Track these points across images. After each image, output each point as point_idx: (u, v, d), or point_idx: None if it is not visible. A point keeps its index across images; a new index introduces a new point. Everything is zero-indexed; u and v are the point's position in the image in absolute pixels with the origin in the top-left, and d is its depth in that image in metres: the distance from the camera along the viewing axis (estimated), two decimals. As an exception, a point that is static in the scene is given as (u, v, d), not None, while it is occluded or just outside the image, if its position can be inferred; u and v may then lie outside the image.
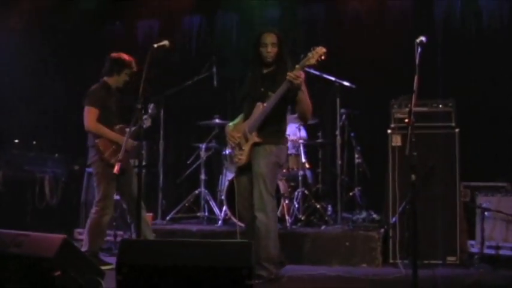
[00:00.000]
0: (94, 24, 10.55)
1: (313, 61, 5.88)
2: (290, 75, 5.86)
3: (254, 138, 6.12)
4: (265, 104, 6.10)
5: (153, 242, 4.45)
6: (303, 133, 8.62)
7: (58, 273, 4.52)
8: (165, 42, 6.09)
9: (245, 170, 6.24)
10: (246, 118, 6.28)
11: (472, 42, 8.93)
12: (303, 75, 5.91)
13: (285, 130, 6.41)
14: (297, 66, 5.91)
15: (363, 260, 7.36)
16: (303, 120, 6.58)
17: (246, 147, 6.16)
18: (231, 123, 6.45)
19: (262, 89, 6.16)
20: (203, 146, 9.03)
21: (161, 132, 9.02)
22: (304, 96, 6.02)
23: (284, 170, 8.13)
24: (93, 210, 6.88)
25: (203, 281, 4.25)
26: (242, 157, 6.19)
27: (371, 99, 8.81)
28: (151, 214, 8.65)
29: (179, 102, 9.36)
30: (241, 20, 10.27)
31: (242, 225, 6.68)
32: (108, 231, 8.05)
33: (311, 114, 6.30)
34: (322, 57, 5.90)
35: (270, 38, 6.15)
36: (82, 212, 8.77)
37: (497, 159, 8.34)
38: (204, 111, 9.37)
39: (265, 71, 6.26)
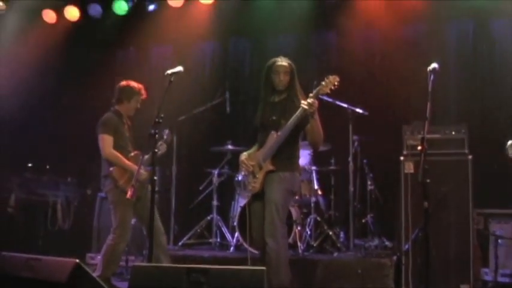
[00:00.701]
0: (108, 50, 10.63)
1: (326, 90, 5.99)
2: (304, 103, 5.94)
3: (268, 166, 6.17)
4: (279, 133, 6.15)
5: (164, 267, 4.44)
6: (309, 160, 8.60)
7: (69, 297, 4.52)
8: (179, 69, 6.15)
9: (259, 197, 6.27)
10: (260, 147, 6.33)
11: (484, 67, 8.92)
12: (316, 103, 5.96)
13: (298, 157, 6.43)
14: (310, 94, 5.97)
15: (375, 287, 7.32)
16: (314, 147, 6.65)
17: (260, 175, 6.21)
18: (245, 153, 6.49)
19: (274, 118, 6.22)
20: (216, 171, 9.05)
21: (174, 157, 9.05)
22: (316, 124, 6.07)
23: (296, 197, 8.12)
24: (110, 237, 6.88)
25: (214, 307, 4.24)
26: (256, 185, 6.23)
27: (383, 125, 8.80)
28: (163, 239, 8.65)
29: (192, 128, 9.39)
30: (254, 46, 10.32)
31: (255, 251, 6.70)
32: (120, 257, 8.08)
33: (322, 142, 6.38)
34: (335, 86, 6.02)
35: (282, 67, 6.25)
36: (94, 237, 8.79)
37: (511, 186, 8.29)
38: (217, 137, 9.41)
39: (276, 99, 6.34)
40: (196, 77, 10.31)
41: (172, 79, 6.09)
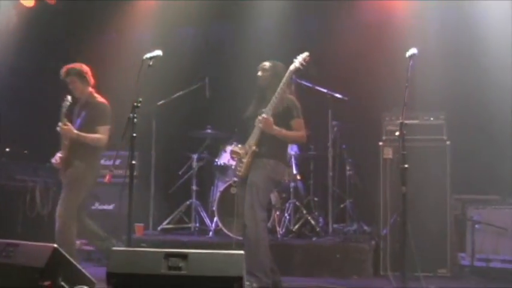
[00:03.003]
0: (88, 35, 10.54)
1: (298, 65, 6.29)
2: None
3: (252, 148, 6.31)
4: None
5: (143, 252, 4.42)
6: (294, 146, 8.62)
7: (48, 283, 4.50)
8: (158, 53, 6.13)
9: (245, 183, 6.39)
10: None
11: (464, 53, 8.94)
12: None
13: (284, 148, 6.62)
14: (262, 110, 6.30)
15: (353, 271, 7.37)
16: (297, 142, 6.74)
17: (246, 159, 6.34)
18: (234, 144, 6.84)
19: (262, 110, 6.38)
20: (195, 156, 9.05)
21: (153, 142, 9.02)
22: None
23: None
24: None
25: (193, 291, 4.24)
26: (241, 169, 6.38)
27: (363, 111, 8.82)
28: (142, 224, 8.65)
29: (171, 113, 9.35)
30: (235, 31, 10.27)
31: (235, 237, 6.83)
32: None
33: (299, 141, 6.84)
34: (306, 61, 6.31)
35: (261, 66, 6.59)
36: (73, 222, 8.74)
37: (488, 172, 8.35)
38: (196, 122, 9.38)
39: (266, 95, 6.54)
40: (176, 62, 10.23)
41: (150, 63, 6.07)
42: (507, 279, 6.80)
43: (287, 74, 6.27)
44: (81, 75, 7.06)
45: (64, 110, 6.89)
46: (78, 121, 7.01)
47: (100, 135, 6.92)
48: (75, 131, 6.85)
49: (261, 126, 6.20)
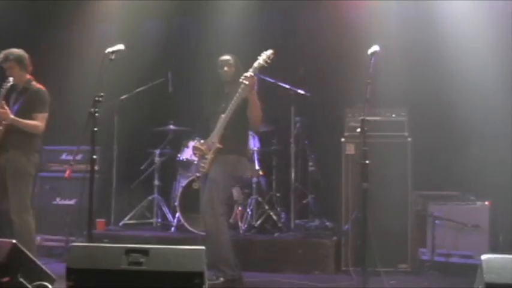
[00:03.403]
0: (50, 28, 10.41)
1: (262, 62, 6.29)
2: (242, 77, 6.25)
3: (216, 144, 6.37)
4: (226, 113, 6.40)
5: (103, 247, 4.39)
6: (256, 141, 8.64)
7: (6, 279, 4.45)
8: (120, 47, 6.10)
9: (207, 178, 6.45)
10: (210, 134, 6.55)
11: (426, 50, 9.00)
12: (255, 78, 6.26)
13: (246, 142, 6.75)
14: (250, 69, 6.27)
15: (315, 267, 7.41)
16: (253, 126, 6.73)
17: (209, 156, 6.42)
18: (196, 140, 6.92)
19: (223, 105, 6.46)
20: (157, 151, 9.01)
21: (115, 137, 8.95)
22: (254, 99, 6.33)
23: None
24: None
25: (154, 287, 4.22)
26: (205, 165, 6.45)
27: (326, 107, 8.85)
28: (103, 220, 8.59)
29: (134, 107, 9.29)
30: (199, 27, 10.23)
31: (198, 232, 6.91)
32: (60, 237, 7.99)
33: (260, 121, 6.62)
34: (270, 58, 6.33)
35: (224, 61, 6.66)
36: (34, 218, 8.63)
37: (449, 169, 8.43)
38: (159, 117, 9.34)
39: (226, 90, 6.64)
40: (139, 57, 10.17)
41: (112, 57, 6.03)
42: (466, 274, 6.85)
43: (250, 70, 6.26)
44: (20, 60, 6.82)
45: (3, 91, 6.65)
46: (16, 107, 6.77)
47: (37, 122, 6.71)
48: (12, 116, 6.62)
49: (251, 82, 6.22)
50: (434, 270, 7.22)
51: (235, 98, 6.30)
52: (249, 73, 6.22)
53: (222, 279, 6.23)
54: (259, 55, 6.34)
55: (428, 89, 8.75)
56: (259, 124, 6.75)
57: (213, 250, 6.19)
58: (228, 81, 6.64)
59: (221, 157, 6.38)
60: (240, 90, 6.27)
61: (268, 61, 6.32)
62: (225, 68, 6.62)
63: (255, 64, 6.28)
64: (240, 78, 6.38)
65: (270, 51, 6.33)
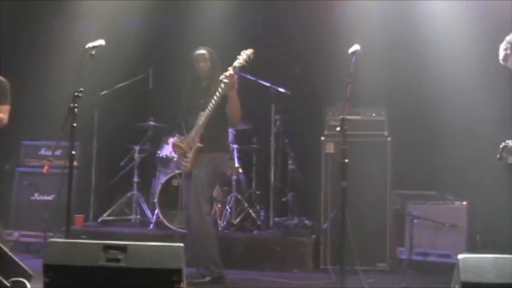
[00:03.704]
0: (31, 22, 10.33)
1: (242, 61, 6.29)
2: (223, 76, 6.23)
3: (197, 144, 6.37)
4: (205, 112, 6.40)
5: (80, 244, 4.37)
6: (236, 139, 8.63)
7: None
8: (100, 42, 6.07)
9: (189, 176, 6.48)
10: (191, 129, 6.54)
11: (406, 50, 9.03)
12: (235, 76, 6.25)
13: (226, 138, 6.76)
14: (229, 68, 6.24)
15: (294, 265, 7.43)
16: (232, 123, 6.75)
17: (191, 155, 6.41)
18: (177, 137, 6.98)
19: (202, 101, 6.46)
20: (137, 148, 8.97)
21: (95, 132, 8.92)
22: (234, 98, 6.33)
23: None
24: None
25: (132, 283, 4.21)
26: (187, 164, 6.46)
27: (306, 106, 8.87)
28: (82, 216, 8.55)
29: (114, 103, 9.25)
30: (180, 24, 10.19)
31: (176, 229, 7.19)
32: (37, 233, 7.94)
33: (239, 118, 6.65)
34: (251, 58, 6.33)
35: (200, 55, 6.62)
36: (12, 213, 8.60)
37: (428, 168, 8.48)
38: (139, 113, 9.30)
39: (204, 84, 6.62)
40: (120, 52, 10.12)
41: (93, 52, 6.00)
42: (444, 273, 6.88)
43: (230, 69, 6.25)
44: None
45: None
46: None
47: (0, 114, 6.61)
48: None
49: (231, 82, 6.21)
50: (412, 269, 7.25)
51: (215, 97, 6.29)
52: (229, 72, 6.21)
53: (208, 278, 6.29)
54: (240, 54, 6.34)
55: (408, 88, 8.78)
56: (238, 122, 6.81)
57: (199, 249, 6.33)
58: (204, 76, 6.63)
59: (204, 155, 6.38)
60: (219, 89, 6.26)
61: (248, 60, 6.32)
62: (201, 63, 6.60)
63: (235, 63, 6.27)
64: (216, 72, 6.43)
65: (250, 51, 6.33)
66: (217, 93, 6.27)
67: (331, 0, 9.28)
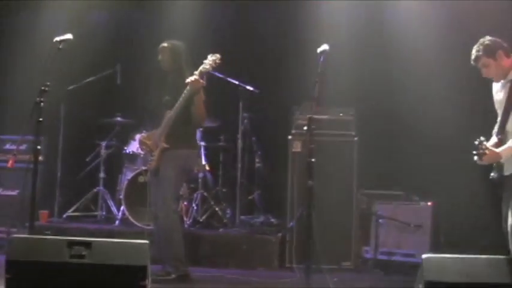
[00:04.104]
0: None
1: (209, 67, 6.29)
2: (188, 81, 6.19)
3: (162, 144, 6.34)
4: (171, 112, 6.37)
5: (44, 240, 4.34)
6: (203, 137, 8.61)
7: None
8: (68, 36, 6.02)
9: (155, 173, 6.46)
10: (158, 126, 6.51)
11: (374, 52, 9.07)
12: (201, 81, 6.22)
13: (193, 135, 6.67)
14: (195, 72, 6.21)
15: (259, 263, 7.43)
16: (196, 123, 6.68)
17: (156, 153, 6.39)
18: (144, 133, 6.88)
19: (167, 97, 6.45)
20: (103, 143, 8.91)
21: (61, 127, 8.84)
22: (198, 101, 6.32)
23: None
24: None
25: (96, 280, 4.19)
26: (152, 162, 6.44)
27: (274, 104, 8.87)
28: (47, 211, 8.47)
29: (81, 98, 9.17)
30: (149, 20, 10.14)
31: (142, 225, 7.10)
32: (1, 229, 7.86)
33: (204, 119, 6.68)
34: (217, 62, 6.33)
35: (161, 48, 6.59)
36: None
37: (394, 169, 8.54)
38: (106, 109, 9.24)
39: (168, 80, 6.61)
40: (88, 47, 10.03)
41: (60, 46, 5.95)
42: (407, 272, 6.96)
43: (196, 73, 6.21)
44: None
45: None
46: None
47: None
48: None
49: (197, 87, 6.18)
50: (377, 268, 7.32)
51: (180, 100, 6.25)
52: (194, 77, 6.18)
53: (173, 275, 6.28)
54: (206, 58, 6.33)
55: (376, 89, 8.84)
56: (202, 123, 6.78)
57: (165, 246, 6.33)
58: (166, 71, 6.61)
59: (171, 152, 6.35)
60: (185, 91, 6.21)
61: (214, 65, 6.32)
62: (160, 57, 6.57)
63: (201, 67, 6.25)
64: (179, 66, 6.43)
65: (216, 56, 6.32)
66: (182, 95, 6.23)
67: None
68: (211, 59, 6.29)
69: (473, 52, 5.27)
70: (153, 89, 6.77)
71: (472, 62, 5.32)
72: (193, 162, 6.64)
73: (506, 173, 5.21)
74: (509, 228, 4.98)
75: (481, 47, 5.25)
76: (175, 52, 6.53)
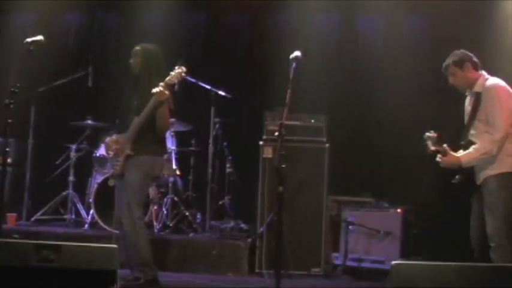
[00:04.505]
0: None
1: (174, 80, 6.20)
2: (153, 91, 6.10)
3: (127, 151, 6.28)
4: (137, 119, 6.31)
5: (9, 243, 4.28)
6: (174, 141, 8.59)
7: None
8: (39, 38, 5.98)
9: (121, 178, 6.39)
10: (126, 130, 6.44)
11: (346, 60, 9.12)
12: (166, 93, 6.13)
13: (159, 141, 6.53)
14: (161, 84, 6.11)
15: (229, 268, 7.42)
16: (159, 131, 6.50)
17: (122, 159, 6.32)
18: (114, 136, 6.66)
19: (135, 102, 6.37)
20: (73, 146, 8.84)
21: (31, 129, 8.77)
22: (164, 109, 6.25)
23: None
24: None
25: (65, 285, 4.15)
26: (117, 167, 6.37)
27: (246, 110, 8.88)
28: (15, 214, 8.39)
29: (52, 100, 9.11)
30: (122, 23, 10.10)
31: (112, 230, 7.07)
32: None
33: (167, 128, 6.73)
34: (182, 75, 6.27)
35: (133, 51, 6.48)
36: None
37: (364, 176, 8.59)
38: (77, 111, 9.17)
39: (137, 84, 6.50)
40: (59, 48, 9.97)
41: (31, 48, 5.91)
42: (376, 278, 7.01)
43: (161, 85, 6.10)
44: None
45: None
46: None
47: None
48: None
49: (162, 99, 6.10)
50: (346, 275, 7.34)
51: (146, 109, 6.16)
52: (160, 88, 6.07)
53: (142, 280, 6.21)
54: (175, 65, 6.28)
55: (347, 96, 8.92)
56: (165, 131, 6.67)
57: (132, 252, 6.26)
58: (136, 74, 6.47)
59: (135, 158, 6.28)
60: (151, 100, 6.12)
61: (180, 78, 6.25)
62: (131, 59, 6.47)
63: (167, 79, 6.13)
64: (149, 70, 6.33)
65: (182, 69, 6.22)
66: (149, 104, 6.14)
67: (274, 6, 9.33)
68: (177, 71, 6.19)
69: (446, 61, 5.56)
70: (125, 92, 6.68)
71: (442, 70, 5.58)
72: (159, 168, 6.55)
73: (478, 182, 5.37)
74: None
75: (452, 57, 5.57)
76: (146, 57, 6.42)
